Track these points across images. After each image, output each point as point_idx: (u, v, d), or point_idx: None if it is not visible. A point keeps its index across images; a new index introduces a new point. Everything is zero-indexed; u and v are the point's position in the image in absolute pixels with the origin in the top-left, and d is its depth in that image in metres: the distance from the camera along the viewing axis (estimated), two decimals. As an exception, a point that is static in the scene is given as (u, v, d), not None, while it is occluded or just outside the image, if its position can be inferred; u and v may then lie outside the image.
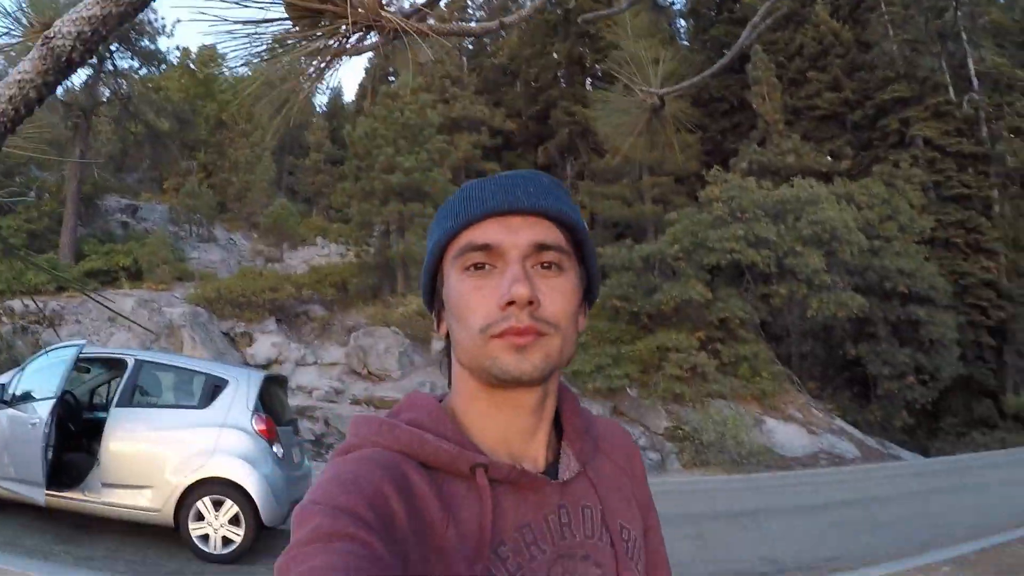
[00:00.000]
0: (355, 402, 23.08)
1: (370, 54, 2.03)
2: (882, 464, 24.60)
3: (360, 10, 1.79)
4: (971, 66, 37.63)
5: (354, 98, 60.78)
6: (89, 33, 0.87)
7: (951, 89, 39.01)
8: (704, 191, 31.50)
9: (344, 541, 0.96)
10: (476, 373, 1.17)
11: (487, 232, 1.16)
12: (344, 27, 1.80)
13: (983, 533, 10.84)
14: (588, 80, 48.79)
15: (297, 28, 1.84)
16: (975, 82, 39.53)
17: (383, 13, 1.83)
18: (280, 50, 1.88)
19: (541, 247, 1.16)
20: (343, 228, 31.28)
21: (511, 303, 1.10)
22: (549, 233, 1.17)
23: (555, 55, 47.98)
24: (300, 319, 27.73)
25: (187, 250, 34.66)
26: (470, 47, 52.17)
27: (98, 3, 0.87)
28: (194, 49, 47.66)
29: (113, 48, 30.47)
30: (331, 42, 1.86)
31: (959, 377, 33.27)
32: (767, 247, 28.46)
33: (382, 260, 29.87)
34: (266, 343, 25.91)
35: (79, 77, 30.63)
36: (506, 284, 1.11)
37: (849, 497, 15.96)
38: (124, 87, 32.54)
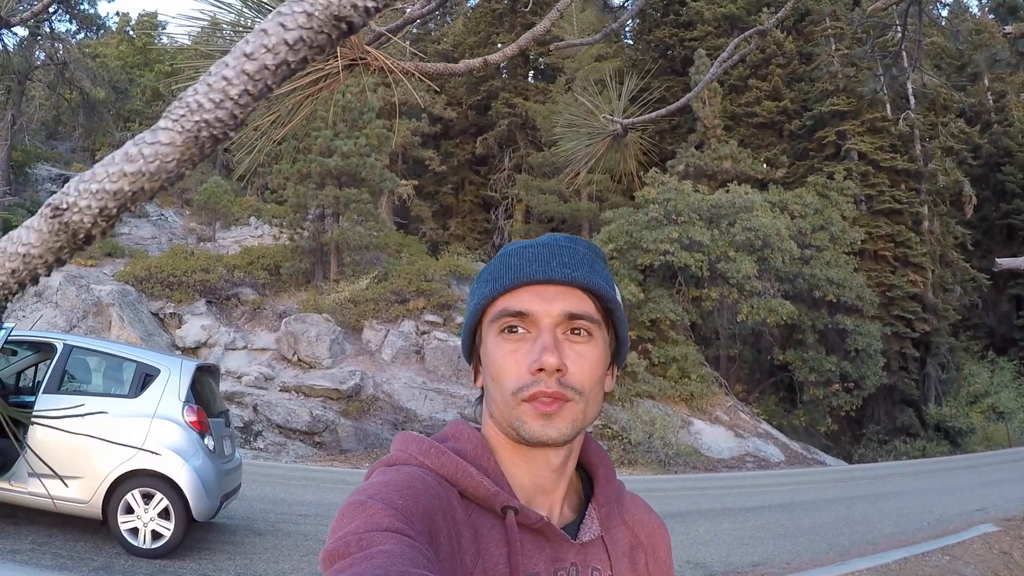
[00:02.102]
0: (284, 389, 22.80)
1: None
2: (806, 469, 24.97)
3: (346, 47, 1.75)
4: (909, 85, 38.34)
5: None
6: (114, 210, 0.79)
7: (888, 106, 39.80)
8: (641, 192, 31.65)
9: (406, 537, 0.98)
10: (505, 430, 1.22)
11: (522, 300, 1.21)
12: (331, 64, 1.76)
13: (903, 541, 11.01)
14: (531, 73, 48.77)
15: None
16: (912, 101, 40.36)
17: (370, 50, 1.79)
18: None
19: (572, 316, 1.20)
20: (278, 209, 30.75)
21: (541, 369, 1.15)
22: (580, 303, 1.22)
23: (499, 45, 47.94)
24: (231, 302, 27.28)
25: (117, 225, 33.92)
26: (415, 31, 51.75)
27: (127, 177, 0.77)
28: (134, 15, 46.73)
29: (52, 9, 29.75)
30: (313, 79, 1.81)
31: (883, 386, 34.07)
32: (700, 250, 28.76)
33: (316, 245, 29.50)
34: (196, 325, 25.47)
35: (13, 38, 29.87)
36: (537, 351, 1.17)
37: (774, 501, 16.14)
38: (61, 51, 31.70)
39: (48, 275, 0.83)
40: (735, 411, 28.47)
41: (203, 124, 0.77)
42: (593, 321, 1.22)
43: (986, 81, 45.67)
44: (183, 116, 0.77)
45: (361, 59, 1.77)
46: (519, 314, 1.20)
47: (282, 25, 0.76)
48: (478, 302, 1.26)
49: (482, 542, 1.15)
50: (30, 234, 0.82)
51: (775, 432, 28.49)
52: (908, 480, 20.62)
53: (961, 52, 40.73)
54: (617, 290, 1.30)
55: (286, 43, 0.76)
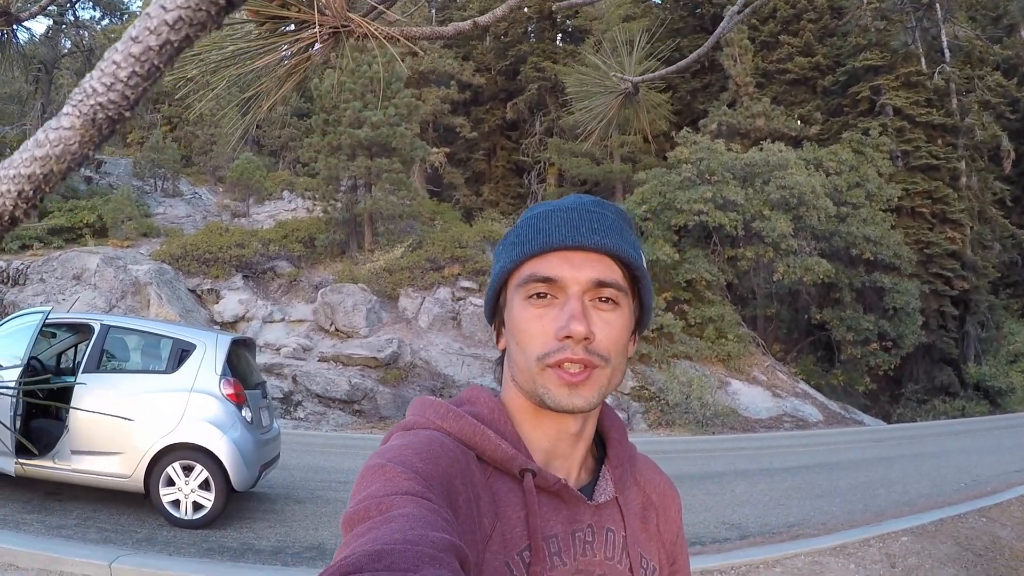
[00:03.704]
0: (323, 359, 23.01)
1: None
2: (844, 429, 24.85)
3: (327, 14, 1.72)
4: (943, 38, 37.69)
5: (319, 47, 59.72)
6: (31, 192, 0.86)
7: (923, 60, 39.04)
8: (673, 152, 31.41)
9: (425, 500, 1.00)
10: (527, 394, 1.22)
11: (551, 265, 1.20)
12: (311, 33, 1.73)
13: (940, 502, 10.93)
14: (559, 36, 48.42)
15: (261, 34, 1.77)
16: (947, 54, 39.59)
17: (352, 17, 1.76)
18: (246, 56, 1.79)
19: (600, 284, 1.19)
20: (310, 182, 30.89)
21: (568, 336, 1.15)
22: (609, 271, 1.21)
23: (525, 9, 47.61)
24: (267, 276, 27.50)
25: (152, 205, 34.22)
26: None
27: (37, 161, 0.84)
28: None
29: (74, -1, 29.92)
30: (297, 48, 1.80)
31: (921, 345, 33.77)
32: (735, 210, 28.55)
33: (349, 216, 29.62)
34: (233, 300, 25.72)
35: (40, 28, 30.14)
36: (565, 318, 1.16)
37: (812, 462, 16.10)
38: (86, 38, 31.90)
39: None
40: (772, 371, 28.35)
41: (98, 107, 0.82)
42: (620, 289, 1.21)
43: (1022, 33, 44.74)
44: (81, 101, 0.83)
45: (343, 27, 1.75)
46: (547, 280, 1.19)
47: (162, 7, 0.81)
48: (504, 265, 1.25)
49: (500, 505, 1.16)
50: (-38, 221, 0.90)
51: (813, 392, 28.35)
52: (946, 440, 20.45)
53: (996, 3, 39.89)
54: (644, 256, 1.29)
55: (167, 23, 0.81)
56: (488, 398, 1.28)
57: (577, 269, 1.18)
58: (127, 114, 0.85)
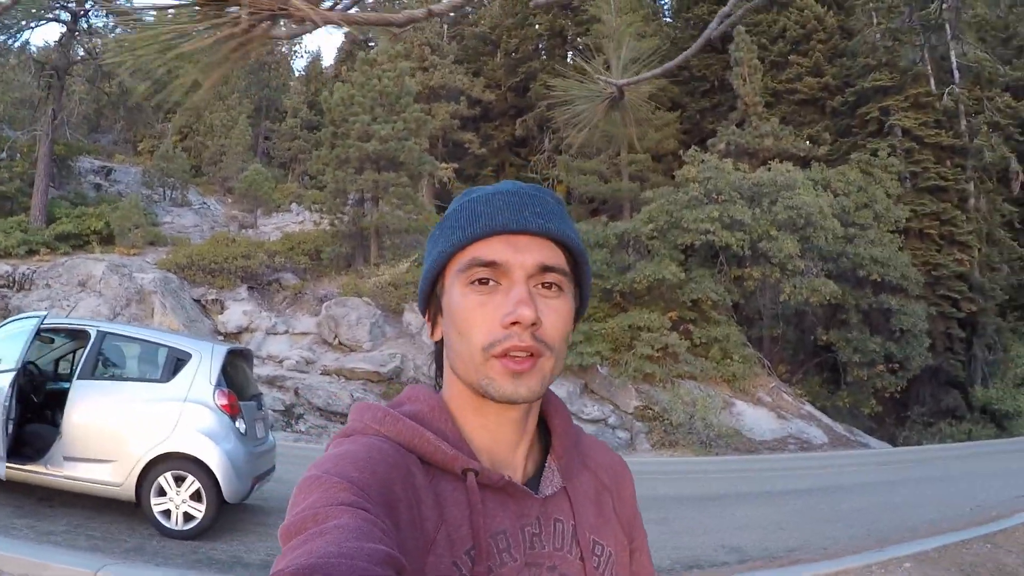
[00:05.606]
0: (325, 372, 23.03)
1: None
2: (850, 451, 24.70)
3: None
4: (953, 59, 37.62)
5: (333, 63, 60.02)
6: None
7: (932, 80, 38.97)
8: (681, 171, 31.41)
9: (362, 511, 0.97)
10: (470, 386, 1.19)
11: (494, 249, 1.16)
12: (242, 16, 1.71)
13: (944, 527, 10.80)
14: (569, 53, 48.63)
15: (205, 15, 1.76)
16: (956, 75, 39.45)
17: (290, 1, 1.73)
18: (181, 41, 1.76)
19: (545, 268, 1.17)
20: (318, 195, 31.10)
21: (515, 323, 1.12)
22: (553, 255, 1.19)
23: (537, 26, 47.83)
24: (272, 287, 27.59)
25: (160, 214, 34.38)
26: (451, 15, 51.83)
27: None
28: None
29: (88, 6, 30.04)
30: (234, 31, 1.76)
31: (928, 367, 33.54)
32: (742, 230, 28.48)
33: (356, 229, 29.75)
34: (237, 311, 25.77)
35: (53, 35, 30.42)
36: (511, 304, 1.13)
37: (815, 485, 15.99)
38: (99, 46, 32.09)
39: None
40: (778, 392, 28.23)
41: None
42: (565, 274, 1.20)
43: (1032, 54, 44.61)
44: None
45: (281, 9, 1.71)
46: (491, 264, 1.16)
47: None
48: (443, 249, 1.21)
49: (445, 506, 1.14)
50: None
51: (818, 414, 28.18)
52: (953, 464, 20.27)
53: (1006, 24, 39.80)
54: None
55: None
56: (428, 395, 1.26)
57: (521, 253, 1.16)
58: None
